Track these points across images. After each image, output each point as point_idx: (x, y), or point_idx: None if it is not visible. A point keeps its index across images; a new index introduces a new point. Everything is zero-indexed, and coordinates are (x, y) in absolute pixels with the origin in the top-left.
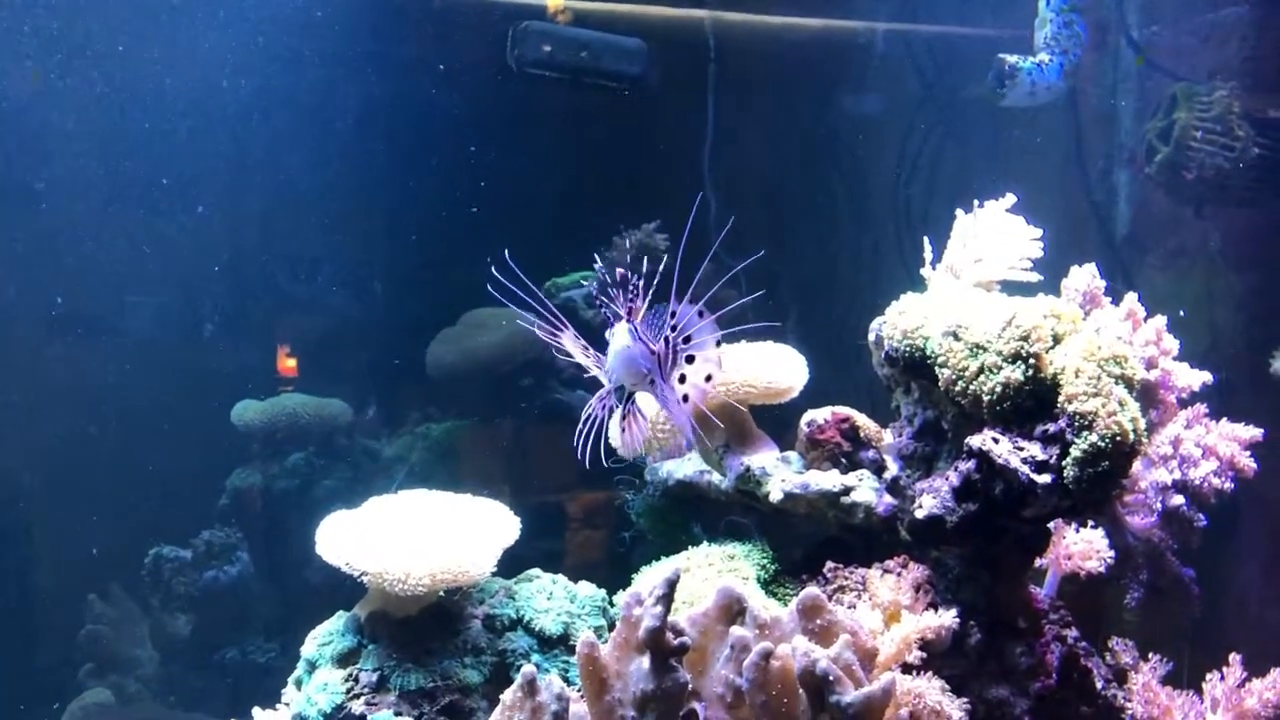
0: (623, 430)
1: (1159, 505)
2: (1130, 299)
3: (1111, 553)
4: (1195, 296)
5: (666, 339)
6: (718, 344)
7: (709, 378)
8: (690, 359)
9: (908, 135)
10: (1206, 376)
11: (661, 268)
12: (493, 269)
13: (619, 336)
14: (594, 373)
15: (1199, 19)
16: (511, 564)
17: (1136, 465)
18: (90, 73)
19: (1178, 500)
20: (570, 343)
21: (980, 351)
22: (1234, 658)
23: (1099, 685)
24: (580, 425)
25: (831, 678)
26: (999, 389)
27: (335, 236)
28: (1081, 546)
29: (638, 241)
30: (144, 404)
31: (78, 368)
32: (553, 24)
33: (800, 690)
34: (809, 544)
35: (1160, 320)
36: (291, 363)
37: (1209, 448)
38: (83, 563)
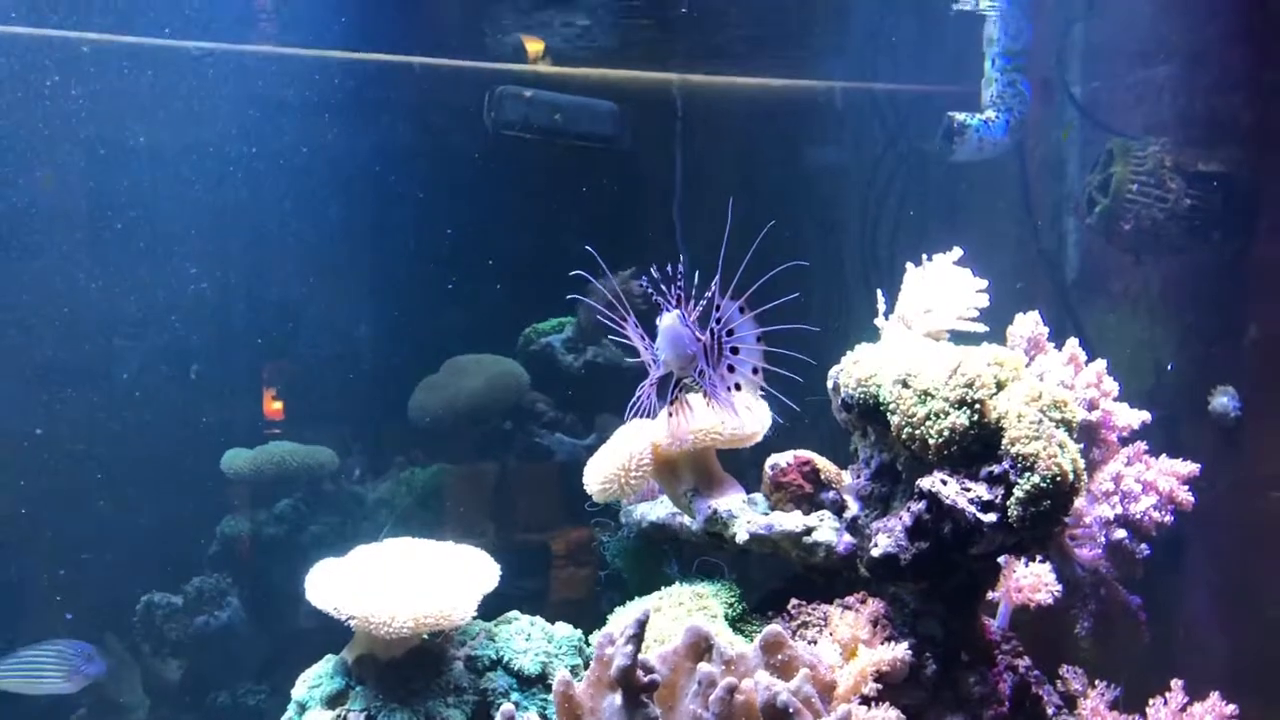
0: (670, 415)
1: (1103, 538)
2: (1071, 344)
3: (1059, 586)
4: (1140, 337)
5: (712, 330)
6: (758, 339)
7: (756, 370)
8: (735, 350)
9: (869, 187)
10: (1145, 416)
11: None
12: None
13: (667, 320)
14: (646, 361)
15: (1135, 76)
16: (497, 603)
17: (1080, 501)
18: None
19: (1120, 534)
20: (630, 330)
21: (928, 398)
22: (1175, 683)
23: (1050, 711)
24: (631, 403)
25: (791, 710)
26: (946, 433)
27: (321, 285)
28: (1031, 580)
29: (613, 289)
30: (137, 452)
31: (71, 416)
32: (527, 88)
33: None
34: (777, 582)
35: (1100, 364)
36: (278, 405)
37: (1149, 483)
38: (77, 610)
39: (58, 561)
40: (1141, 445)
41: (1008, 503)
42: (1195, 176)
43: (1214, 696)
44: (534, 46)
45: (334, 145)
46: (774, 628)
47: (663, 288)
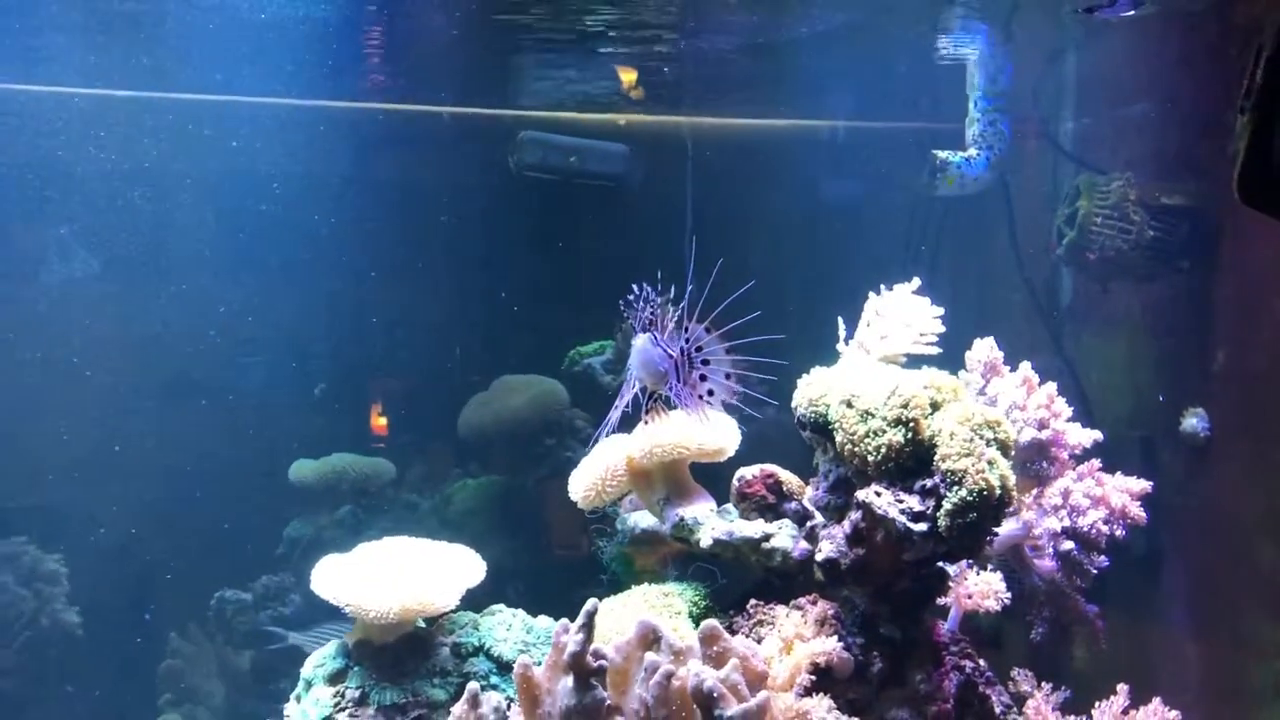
0: (645, 424)
1: (1050, 550)
2: (1024, 367)
3: (1008, 593)
4: (1123, 361)
5: (682, 349)
6: (726, 352)
7: (728, 375)
8: (705, 362)
9: (869, 217)
10: (1097, 435)
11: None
12: None
13: (638, 342)
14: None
15: (1117, 113)
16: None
17: (1030, 514)
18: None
19: (1068, 545)
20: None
21: (869, 417)
22: (1121, 687)
23: (998, 710)
24: (607, 415)
25: (716, 694)
26: (883, 450)
27: (397, 312)
28: (981, 587)
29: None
30: (218, 464)
31: (168, 435)
32: (545, 133)
33: (695, 706)
34: (748, 585)
35: (1051, 386)
36: (383, 421)
37: (1099, 498)
38: (167, 603)
39: (156, 560)
40: (1095, 463)
41: (938, 514)
42: (1159, 210)
43: (1156, 702)
44: (628, 76)
45: (404, 187)
46: (710, 622)
47: (640, 311)
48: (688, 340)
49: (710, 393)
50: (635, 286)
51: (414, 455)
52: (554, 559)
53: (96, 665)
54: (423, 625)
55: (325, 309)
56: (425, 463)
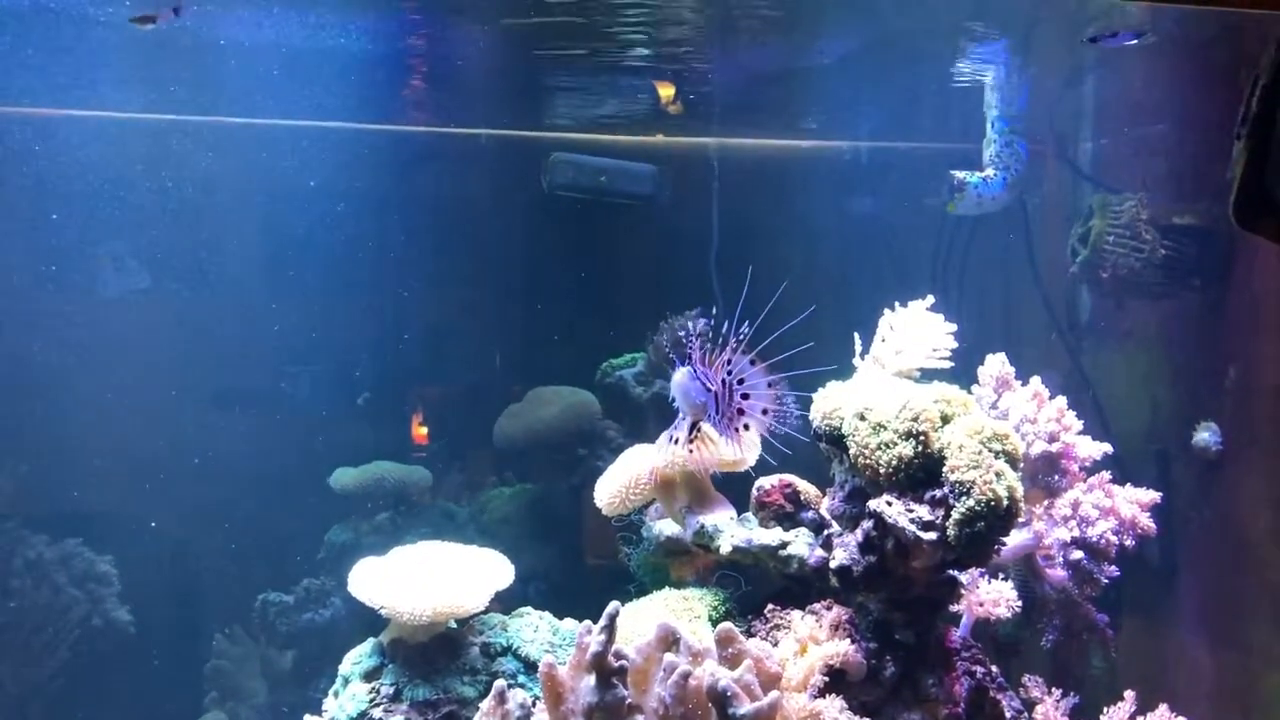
0: (690, 452)
1: (1061, 559)
2: (1035, 382)
3: (1019, 602)
4: (1141, 375)
5: (724, 380)
6: (769, 385)
7: (766, 411)
8: (746, 396)
9: (891, 236)
10: (1107, 447)
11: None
12: None
13: (678, 375)
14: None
15: (1135, 133)
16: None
17: (1041, 524)
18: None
19: (1078, 555)
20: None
21: (881, 430)
22: (1128, 694)
23: (1008, 715)
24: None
25: (730, 694)
26: (894, 461)
27: (437, 327)
28: (992, 595)
29: (682, 326)
30: (263, 471)
31: (216, 442)
32: (576, 154)
33: (710, 704)
34: (767, 591)
35: (1061, 400)
36: (423, 431)
37: (1108, 509)
38: (213, 605)
39: (204, 565)
40: (1105, 475)
41: (947, 523)
42: (1170, 229)
43: (1163, 708)
44: (666, 91)
45: (444, 205)
46: (726, 625)
47: (684, 344)
48: (729, 373)
49: (746, 426)
50: (687, 324)
51: (452, 463)
52: (585, 565)
53: (146, 664)
54: (454, 626)
55: (369, 322)
56: (462, 471)
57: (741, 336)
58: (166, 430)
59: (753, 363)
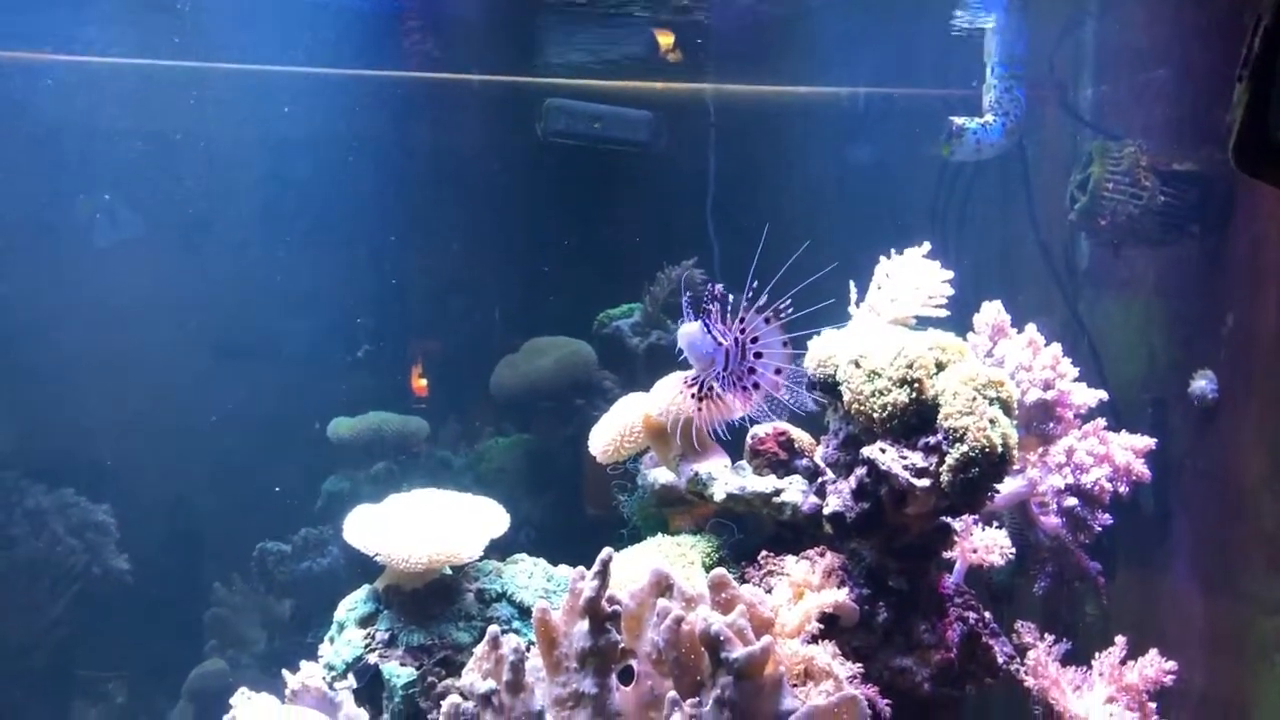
0: (698, 410)
1: (1055, 505)
2: (1030, 329)
3: (1013, 549)
4: (1138, 323)
5: (736, 338)
6: (784, 344)
7: (778, 370)
8: (759, 355)
9: (890, 183)
10: (1102, 394)
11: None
12: None
13: (688, 327)
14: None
15: (1136, 79)
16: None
17: (1036, 471)
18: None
19: (1071, 501)
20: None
21: (875, 377)
22: (1119, 639)
23: (1000, 660)
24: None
25: (722, 638)
26: (888, 408)
27: (438, 279)
28: (986, 542)
29: (678, 275)
30: (261, 421)
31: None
32: (571, 100)
33: (703, 648)
34: (760, 539)
35: (1056, 347)
36: (423, 383)
37: (1102, 456)
38: (212, 554)
39: (202, 513)
40: (1100, 421)
41: (941, 470)
42: (1170, 175)
43: (1152, 653)
44: (665, 39)
45: (441, 153)
46: (719, 571)
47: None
48: (743, 330)
49: (756, 385)
50: (710, 286)
51: (449, 414)
52: (582, 514)
53: (146, 613)
54: (449, 572)
55: (367, 273)
56: (459, 421)
57: (753, 293)
58: (164, 381)
59: (767, 321)
